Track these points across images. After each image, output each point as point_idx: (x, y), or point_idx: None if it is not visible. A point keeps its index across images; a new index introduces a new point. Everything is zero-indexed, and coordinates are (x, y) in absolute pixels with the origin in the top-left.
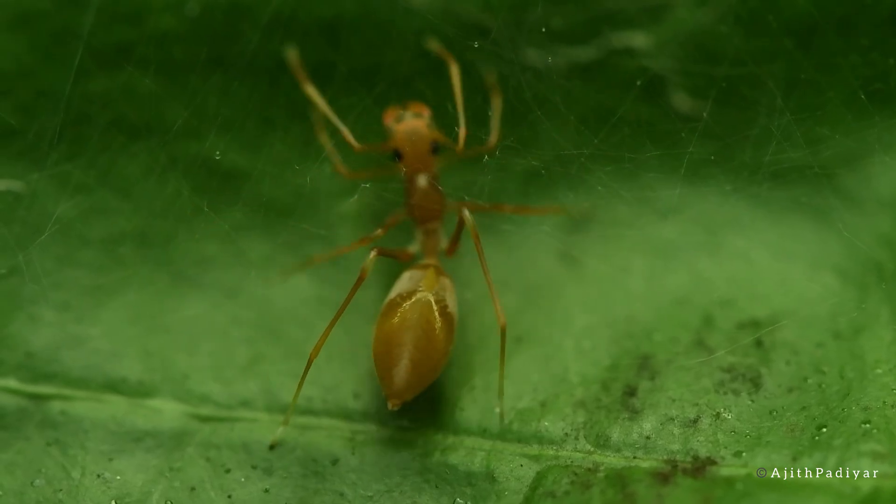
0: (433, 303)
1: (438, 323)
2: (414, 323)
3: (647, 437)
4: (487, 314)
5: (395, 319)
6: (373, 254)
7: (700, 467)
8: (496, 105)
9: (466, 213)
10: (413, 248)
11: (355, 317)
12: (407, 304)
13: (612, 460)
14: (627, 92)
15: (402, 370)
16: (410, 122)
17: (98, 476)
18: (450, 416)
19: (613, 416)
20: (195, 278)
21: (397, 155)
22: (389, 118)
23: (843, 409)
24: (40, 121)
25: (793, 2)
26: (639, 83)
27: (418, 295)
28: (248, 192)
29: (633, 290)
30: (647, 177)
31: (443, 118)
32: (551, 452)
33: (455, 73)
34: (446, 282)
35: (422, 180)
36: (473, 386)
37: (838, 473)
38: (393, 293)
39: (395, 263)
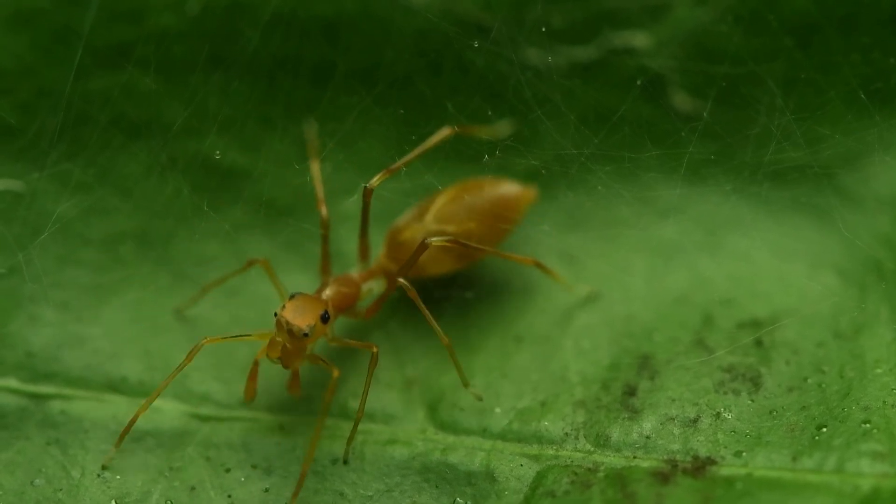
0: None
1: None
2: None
3: (647, 437)
4: (487, 315)
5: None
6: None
7: (700, 467)
8: (315, 170)
9: (405, 283)
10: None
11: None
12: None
13: (612, 460)
14: (628, 91)
15: None
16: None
17: (98, 475)
18: (450, 415)
19: (613, 415)
20: (196, 278)
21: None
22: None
23: (843, 409)
24: (40, 120)
25: (793, 1)
26: (639, 82)
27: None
28: (248, 191)
29: (633, 290)
30: (647, 176)
31: (443, 117)
32: (551, 452)
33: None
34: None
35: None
36: (474, 386)
37: (838, 473)
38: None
39: None
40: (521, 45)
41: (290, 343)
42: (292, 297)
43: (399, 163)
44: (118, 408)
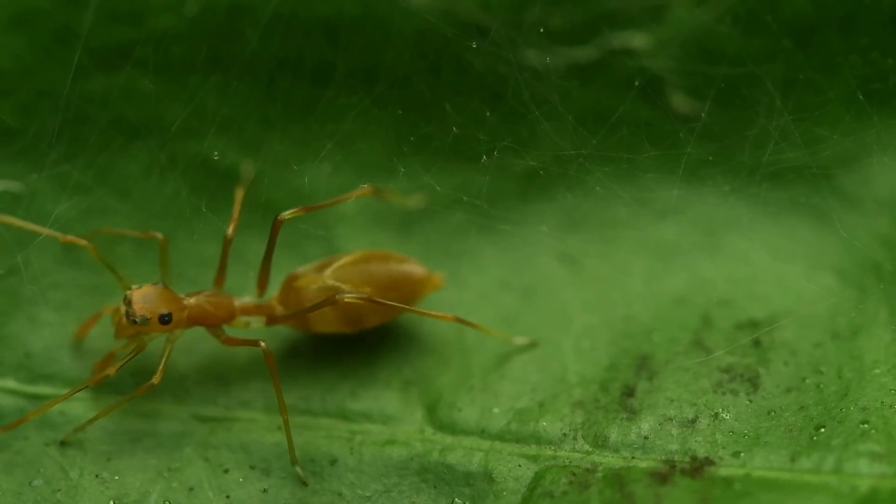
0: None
1: None
2: None
3: (646, 438)
4: (486, 315)
5: None
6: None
7: (698, 467)
8: (238, 196)
9: (263, 345)
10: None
11: None
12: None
13: (610, 460)
14: (626, 92)
15: None
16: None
17: (96, 476)
18: (448, 416)
19: (612, 416)
20: (194, 279)
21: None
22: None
23: (841, 410)
24: (39, 121)
25: (792, 2)
26: (637, 83)
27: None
28: (246, 192)
29: (631, 291)
30: (645, 177)
31: (441, 118)
32: (549, 452)
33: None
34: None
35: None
36: (472, 386)
37: (836, 474)
38: None
39: None
40: (519, 46)
41: (124, 319)
42: (156, 283)
43: (316, 205)
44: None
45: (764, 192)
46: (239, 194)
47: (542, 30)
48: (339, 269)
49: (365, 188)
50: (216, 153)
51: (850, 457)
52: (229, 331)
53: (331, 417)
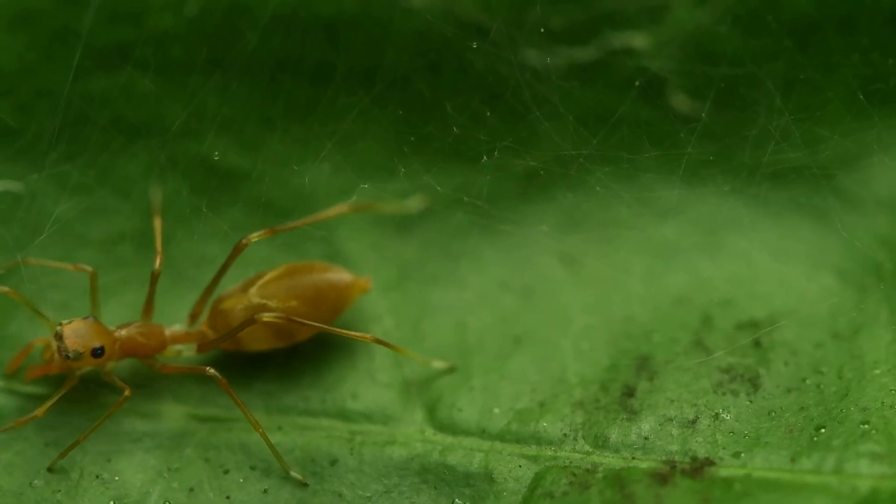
0: None
1: None
2: None
3: (646, 438)
4: (486, 315)
5: None
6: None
7: (698, 468)
8: (157, 225)
9: (211, 371)
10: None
11: (354, 319)
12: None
13: (610, 461)
14: (626, 92)
15: None
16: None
17: (97, 477)
18: (448, 416)
19: (612, 416)
20: (195, 278)
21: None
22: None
23: (841, 410)
24: (39, 121)
25: (792, 2)
26: (638, 84)
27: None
28: (247, 192)
29: (632, 291)
30: (645, 177)
31: (442, 118)
32: (550, 453)
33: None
34: None
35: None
36: (472, 387)
37: (837, 474)
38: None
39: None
40: (520, 46)
41: (56, 355)
42: (86, 317)
43: (283, 227)
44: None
45: (764, 193)
46: (157, 224)
47: (542, 30)
48: (264, 287)
49: (343, 206)
50: (216, 153)
51: (851, 457)
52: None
53: (331, 418)
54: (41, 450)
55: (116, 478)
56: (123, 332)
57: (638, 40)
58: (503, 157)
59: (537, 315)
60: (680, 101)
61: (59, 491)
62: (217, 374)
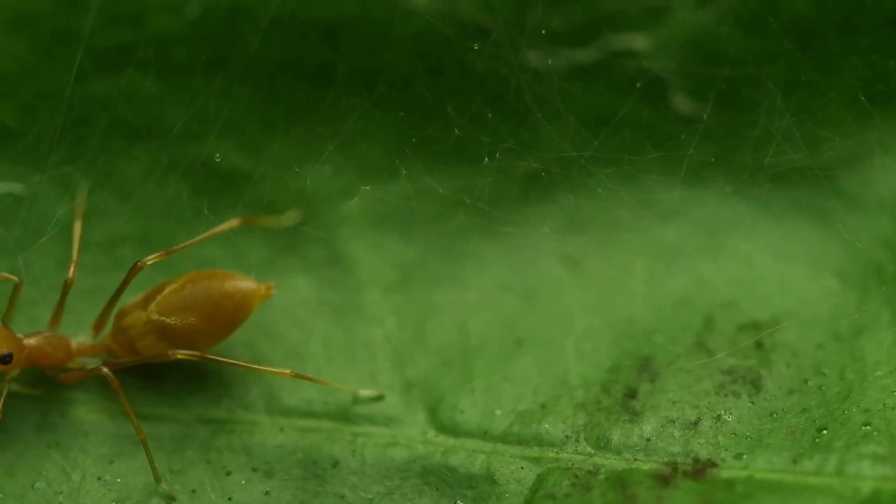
0: None
1: None
2: None
3: (648, 440)
4: (488, 317)
5: None
6: None
7: (700, 469)
8: (76, 230)
9: (105, 370)
10: None
11: (355, 318)
12: None
13: (612, 462)
14: (628, 94)
15: None
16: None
17: (98, 479)
18: (450, 418)
19: (614, 418)
20: None
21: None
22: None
23: (843, 412)
24: (40, 123)
25: (793, 3)
26: (639, 85)
27: None
28: (248, 194)
29: (633, 293)
30: (647, 179)
31: (443, 120)
32: (552, 455)
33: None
34: None
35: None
36: (474, 388)
37: (839, 476)
38: None
39: None
40: (521, 47)
41: None
42: None
43: (180, 246)
44: (118, 410)
45: (766, 194)
46: (78, 228)
47: (543, 31)
48: (163, 302)
49: (234, 221)
50: (218, 155)
51: (853, 459)
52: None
53: (333, 420)
54: (43, 452)
55: (118, 479)
56: (32, 341)
57: (639, 42)
58: (504, 158)
59: (539, 317)
60: (681, 103)
61: (61, 493)
62: (110, 373)
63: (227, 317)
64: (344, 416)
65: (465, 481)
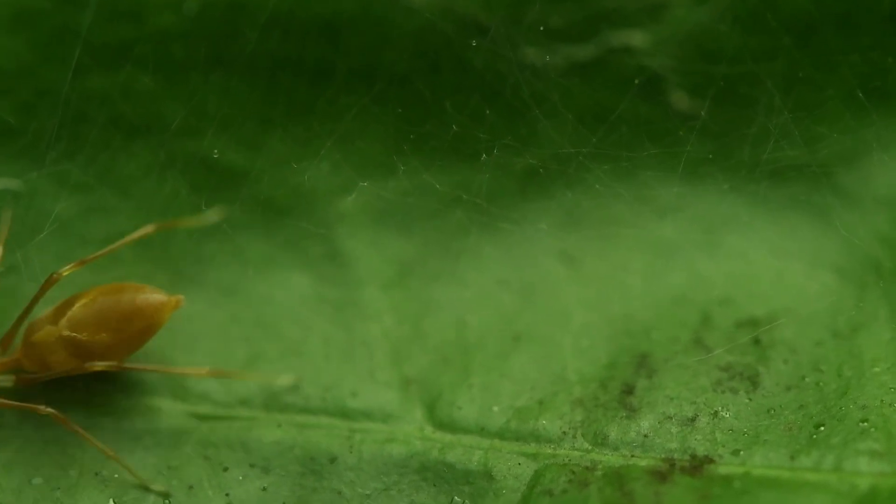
0: None
1: None
2: None
3: (645, 436)
4: (486, 313)
5: None
6: None
7: (698, 466)
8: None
9: (49, 411)
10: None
11: (353, 315)
12: None
13: (609, 458)
14: (626, 90)
15: None
16: None
17: (96, 474)
18: (448, 414)
19: (611, 414)
20: (194, 277)
21: None
22: None
23: (840, 408)
24: (39, 119)
25: (791, 0)
26: (637, 82)
27: None
28: (246, 190)
29: (631, 289)
30: (645, 175)
31: (441, 117)
32: (549, 451)
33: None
34: None
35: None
36: (471, 385)
37: (836, 472)
38: None
39: None
40: (519, 44)
41: None
42: None
43: (92, 257)
44: (116, 406)
45: (763, 190)
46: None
47: (541, 28)
48: (74, 317)
49: (148, 227)
50: (216, 151)
51: (850, 455)
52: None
53: (330, 416)
54: (41, 447)
55: (115, 475)
56: None
57: (637, 38)
58: (502, 155)
59: (537, 313)
60: (679, 99)
61: (59, 489)
62: (55, 412)
63: (138, 330)
64: (342, 412)
65: (463, 477)
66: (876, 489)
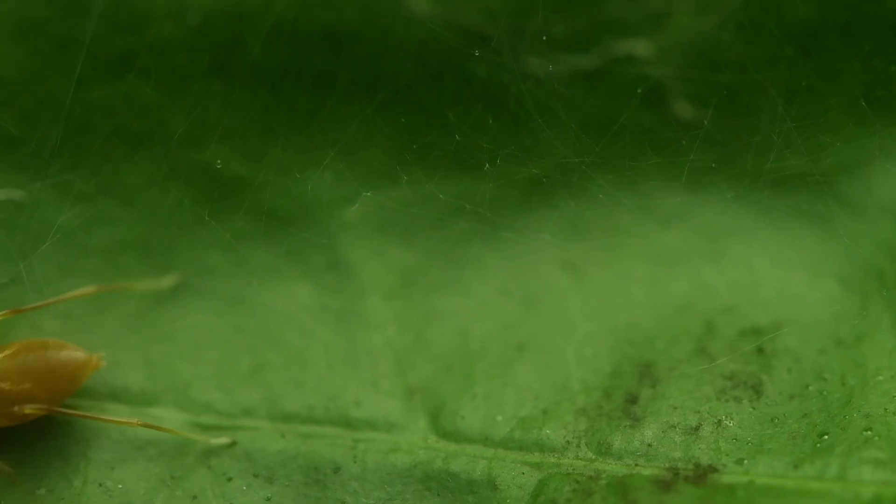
0: None
1: None
2: None
3: (649, 445)
4: (489, 322)
5: None
6: None
7: (701, 475)
8: None
9: (7, 469)
10: None
11: (357, 324)
12: None
13: (613, 468)
14: (629, 100)
15: None
16: None
17: (100, 485)
18: (451, 424)
19: (615, 423)
20: (197, 287)
21: None
22: None
23: (844, 417)
24: (42, 130)
25: (794, 8)
26: (640, 91)
27: None
28: (249, 200)
29: (634, 298)
30: (648, 184)
31: (444, 126)
32: (553, 460)
33: None
34: None
35: None
36: (475, 394)
37: (840, 481)
38: None
39: None
40: (522, 53)
41: None
42: None
43: (28, 307)
44: (120, 416)
45: (767, 199)
46: None
47: (544, 37)
48: None
49: (90, 288)
50: (219, 162)
51: (854, 464)
52: None
53: (334, 426)
54: (45, 458)
55: (120, 486)
56: None
57: (640, 47)
58: (505, 164)
59: (540, 322)
60: (682, 108)
61: (63, 499)
62: (10, 470)
63: (61, 384)
64: (345, 421)
65: (467, 487)
66: (880, 498)
